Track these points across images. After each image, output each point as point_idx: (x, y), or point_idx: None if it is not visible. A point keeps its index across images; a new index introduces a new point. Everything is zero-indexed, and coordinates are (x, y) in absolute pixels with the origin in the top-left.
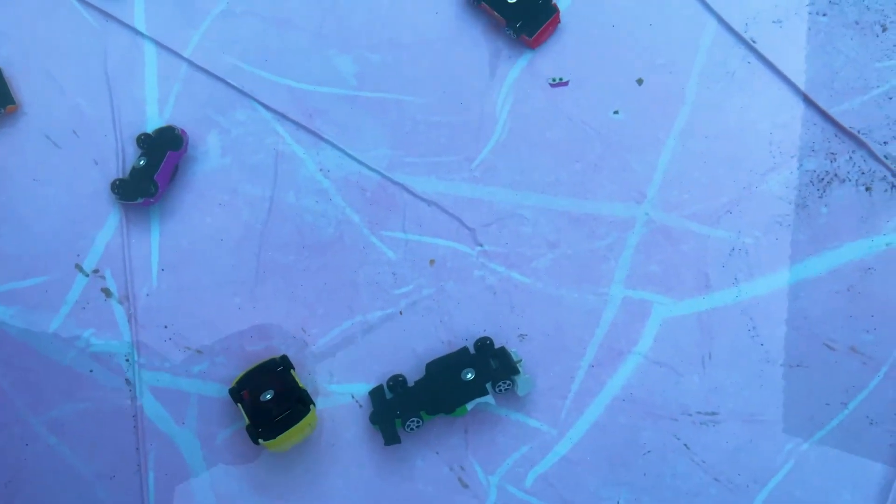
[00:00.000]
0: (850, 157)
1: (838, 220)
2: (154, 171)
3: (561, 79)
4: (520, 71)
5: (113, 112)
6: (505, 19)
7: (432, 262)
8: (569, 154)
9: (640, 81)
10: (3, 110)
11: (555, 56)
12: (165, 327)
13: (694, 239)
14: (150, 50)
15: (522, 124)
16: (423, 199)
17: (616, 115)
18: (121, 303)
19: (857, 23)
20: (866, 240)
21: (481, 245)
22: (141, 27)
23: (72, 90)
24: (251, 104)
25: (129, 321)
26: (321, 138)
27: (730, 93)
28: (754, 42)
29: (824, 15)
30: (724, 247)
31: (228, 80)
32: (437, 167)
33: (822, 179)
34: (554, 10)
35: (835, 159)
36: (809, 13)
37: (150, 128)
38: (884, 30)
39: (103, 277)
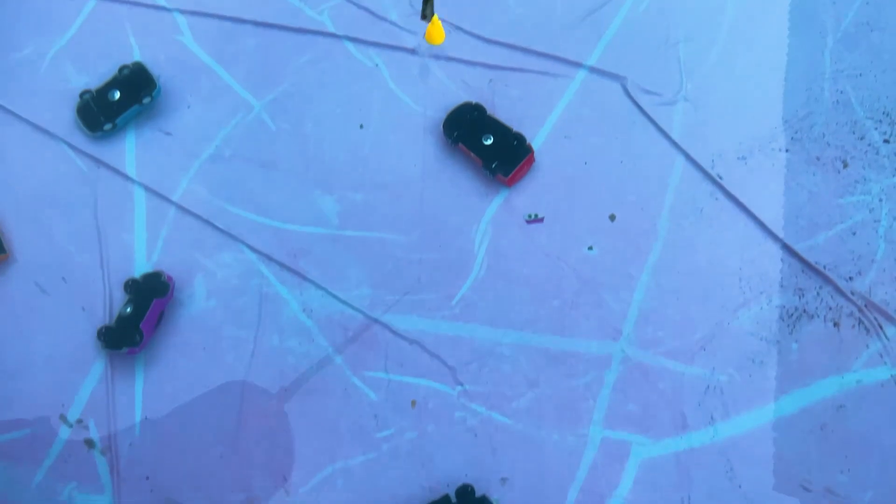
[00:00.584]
0: (818, 293)
1: (809, 357)
2: (140, 319)
3: (536, 215)
4: (497, 208)
5: (101, 257)
6: (481, 160)
7: (413, 403)
8: (546, 291)
9: (612, 217)
10: None
11: (530, 193)
12: (147, 478)
13: (670, 377)
14: (139, 195)
15: (500, 261)
16: (404, 338)
17: (590, 251)
18: (103, 454)
19: (818, 159)
20: (837, 377)
21: (462, 385)
22: (132, 172)
23: (62, 237)
24: (237, 246)
25: (111, 473)
26: (305, 278)
27: (699, 229)
28: (721, 178)
29: (786, 151)
30: (700, 384)
31: (215, 223)
32: (417, 305)
33: (792, 315)
34: (528, 150)
35: (803, 295)
36: (772, 149)
37: (138, 272)
38: (844, 166)
39: (87, 428)
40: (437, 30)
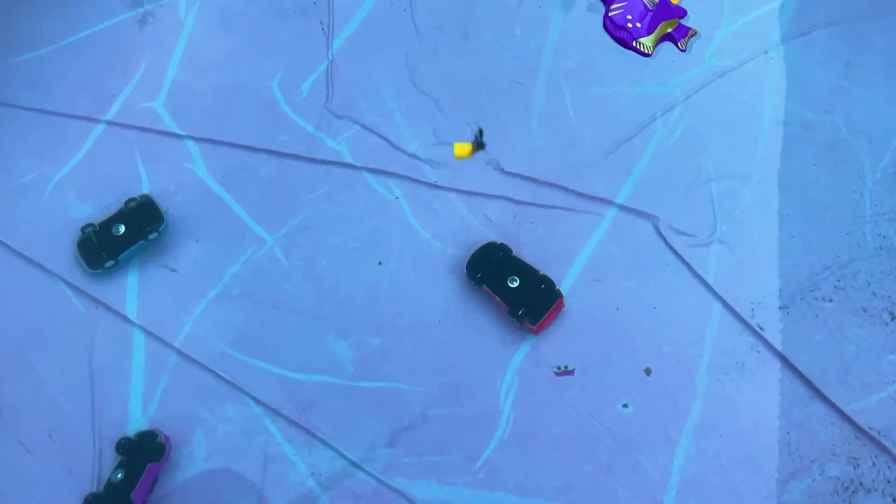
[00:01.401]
0: (874, 463)
1: None
2: (131, 487)
3: (566, 367)
4: (523, 357)
5: (94, 410)
6: (507, 305)
7: None
8: (578, 453)
9: (647, 371)
10: None
11: (559, 341)
12: None
13: None
14: (139, 339)
15: (528, 418)
16: None
17: (625, 409)
18: None
19: (864, 310)
20: None
21: None
22: (132, 314)
23: (52, 385)
24: (241, 397)
25: None
26: (314, 436)
27: (741, 386)
28: (762, 329)
29: (830, 301)
30: None
31: (219, 371)
32: (437, 468)
33: (847, 489)
34: (558, 296)
35: (858, 465)
36: (815, 298)
37: (133, 428)
38: (893, 318)
39: None
40: (465, 147)
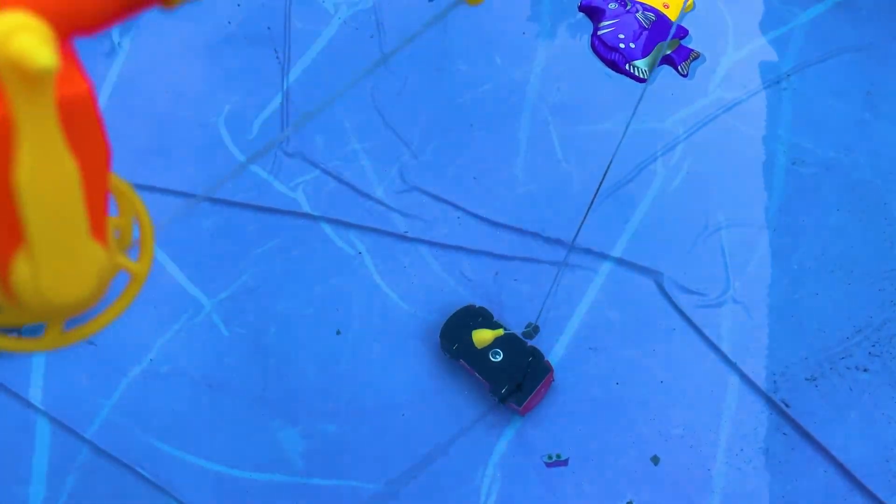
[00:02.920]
0: None
1: None
2: None
3: (559, 456)
4: (507, 445)
5: None
6: (489, 382)
7: None
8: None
9: (655, 460)
10: None
11: (549, 425)
12: None
13: None
14: (42, 430)
15: None
16: None
17: None
18: None
19: None
20: None
21: None
22: (35, 398)
23: None
24: (168, 502)
25: None
26: None
27: (767, 477)
28: (787, 406)
29: (865, 370)
30: None
31: (141, 470)
32: None
33: None
34: (547, 370)
35: None
36: (847, 368)
37: None
38: None
39: None
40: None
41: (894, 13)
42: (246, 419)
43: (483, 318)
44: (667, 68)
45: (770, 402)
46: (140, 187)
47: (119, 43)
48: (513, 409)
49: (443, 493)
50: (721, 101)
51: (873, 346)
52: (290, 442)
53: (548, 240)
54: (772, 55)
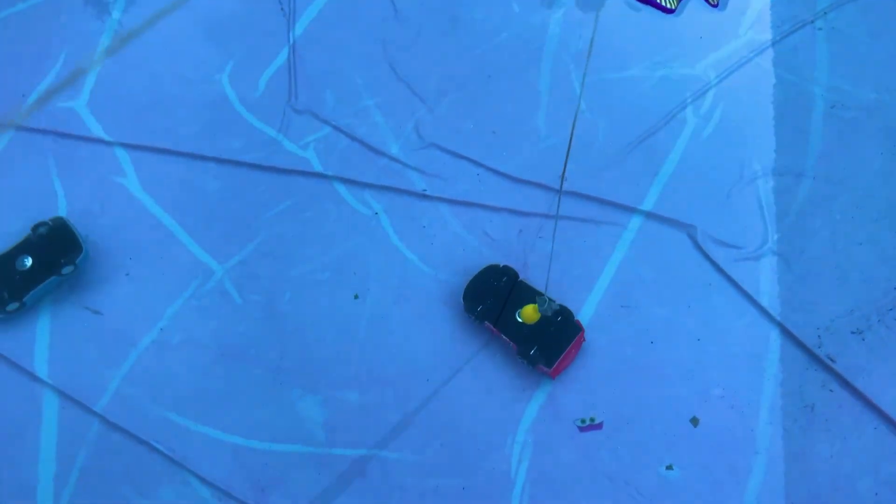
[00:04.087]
0: None
1: None
2: None
3: (593, 419)
4: (538, 410)
5: None
6: (515, 343)
7: None
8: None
9: (694, 421)
10: None
11: (581, 387)
12: None
13: None
14: (50, 403)
15: (547, 489)
16: None
17: (670, 472)
18: None
19: None
20: None
21: None
22: (42, 371)
23: None
24: (183, 476)
25: None
26: None
27: (813, 435)
28: (833, 361)
29: None
30: None
31: (154, 443)
32: None
33: None
34: (578, 330)
35: None
36: (893, 321)
37: None
38: None
39: None
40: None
41: None
42: (262, 389)
43: (508, 277)
44: (696, 9)
45: (814, 358)
46: (146, 149)
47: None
48: (542, 371)
49: (473, 461)
50: (753, 42)
51: None
52: (309, 411)
53: (573, 194)
54: None
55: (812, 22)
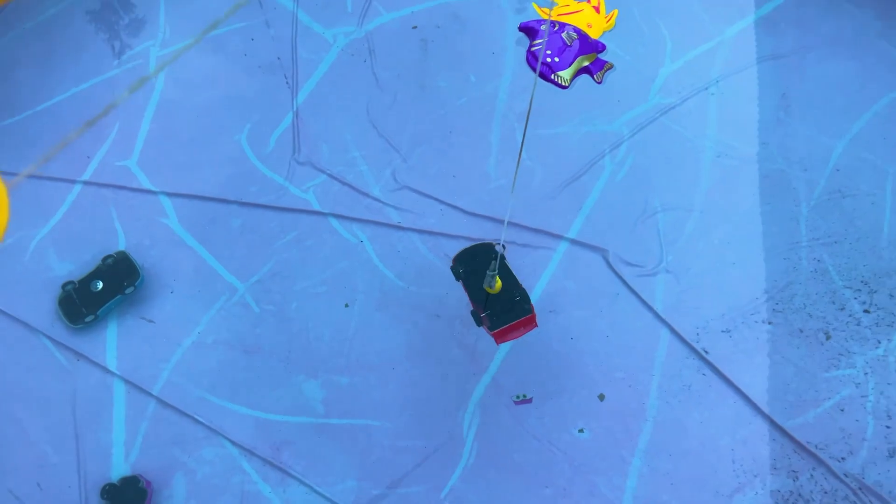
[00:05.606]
0: (812, 476)
1: None
2: None
3: (525, 396)
4: (484, 389)
5: (78, 459)
6: (474, 305)
7: None
8: (537, 478)
9: (601, 397)
10: None
11: (517, 372)
12: None
13: None
14: (119, 389)
15: (490, 446)
16: None
17: (581, 434)
18: None
19: (801, 331)
20: None
21: None
22: (112, 365)
23: (39, 437)
24: (218, 440)
25: None
26: (288, 474)
27: (689, 407)
28: (706, 353)
29: (769, 323)
30: None
31: (196, 416)
32: (405, 499)
33: (787, 500)
34: (527, 312)
35: (797, 478)
36: (755, 322)
37: (116, 474)
38: (827, 338)
39: None
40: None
41: (805, 28)
42: (275, 375)
43: (493, 253)
44: (615, 83)
45: (693, 350)
46: (184, 196)
47: (155, 77)
48: (488, 332)
49: (434, 427)
50: (659, 105)
51: (776, 304)
52: (311, 392)
53: (515, 225)
54: (702, 66)
55: (706, 89)
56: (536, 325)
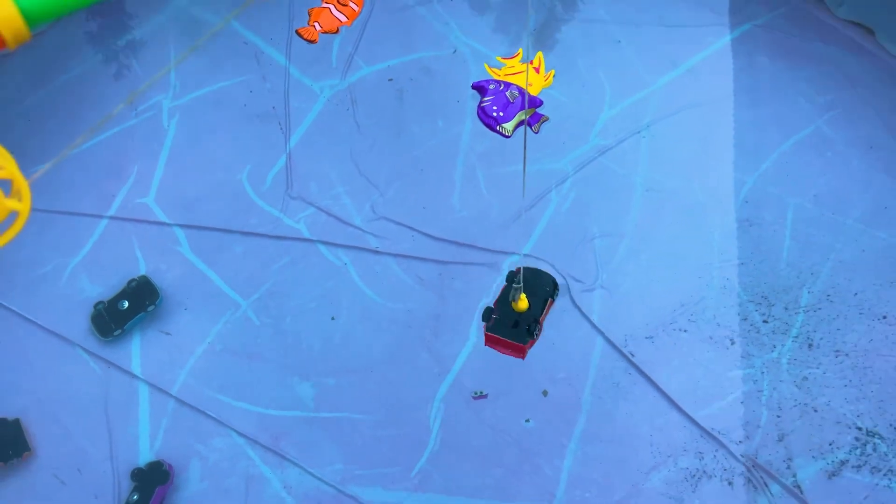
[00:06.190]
0: (715, 456)
1: None
2: None
3: (482, 392)
4: (448, 387)
5: (111, 449)
6: (496, 309)
7: None
8: (491, 460)
9: (545, 393)
10: (20, 458)
11: (476, 373)
12: None
13: None
14: (143, 390)
15: (452, 434)
16: None
17: (528, 423)
18: None
19: (711, 338)
20: None
21: None
22: (137, 371)
23: (77, 433)
24: (227, 431)
25: None
26: (285, 458)
27: (617, 401)
28: (633, 356)
29: (685, 331)
30: None
31: (208, 412)
32: (382, 478)
33: (694, 476)
34: (524, 342)
35: (703, 458)
36: (674, 330)
37: (143, 461)
38: (732, 343)
39: None
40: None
41: (726, 79)
42: (274, 377)
43: (552, 287)
44: (558, 130)
45: (621, 354)
46: (194, 227)
47: (167, 126)
48: (483, 329)
49: (405, 419)
50: (598, 146)
51: (691, 315)
52: (304, 391)
53: (475, 248)
54: (635, 112)
55: (638, 132)
56: (523, 358)
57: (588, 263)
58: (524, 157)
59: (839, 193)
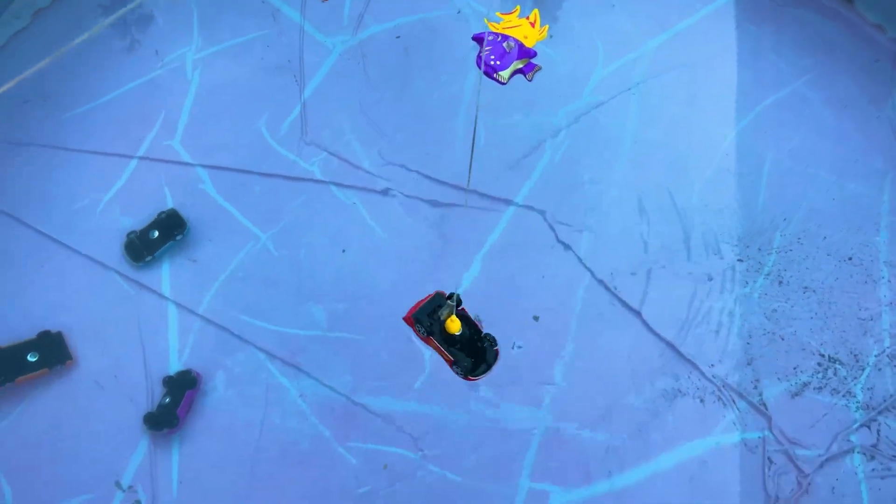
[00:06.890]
0: (689, 377)
1: (681, 425)
2: (176, 406)
3: (477, 317)
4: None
5: (145, 360)
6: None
7: (385, 466)
8: (487, 376)
9: (536, 318)
10: (63, 365)
11: (474, 302)
12: None
13: (579, 441)
14: (172, 310)
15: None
16: (378, 415)
17: (519, 348)
18: None
19: (690, 273)
20: (701, 440)
21: (422, 450)
22: (167, 293)
23: (113, 346)
24: (249, 347)
25: None
26: (301, 370)
27: (601, 329)
28: (616, 290)
29: (663, 268)
30: (601, 447)
31: (232, 330)
32: (389, 388)
33: (669, 394)
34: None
35: (678, 379)
36: (655, 268)
37: (173, 370)
38: (710, 279)
39: (136, 492)
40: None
41: (713, 40)
42: (290, 302)
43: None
44: (552, 86)
45: (606, 288)
46: (216, 168)
47: (191, 76)
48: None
49: (411, 339)
50: (592, 102)
51: (672, 254)
52: (317, 314)
53: (475, 192)
54: (626, 72)
55: (629, 89)
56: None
57: (578, 208)
58: (472, 148)
59: (813, 148)
